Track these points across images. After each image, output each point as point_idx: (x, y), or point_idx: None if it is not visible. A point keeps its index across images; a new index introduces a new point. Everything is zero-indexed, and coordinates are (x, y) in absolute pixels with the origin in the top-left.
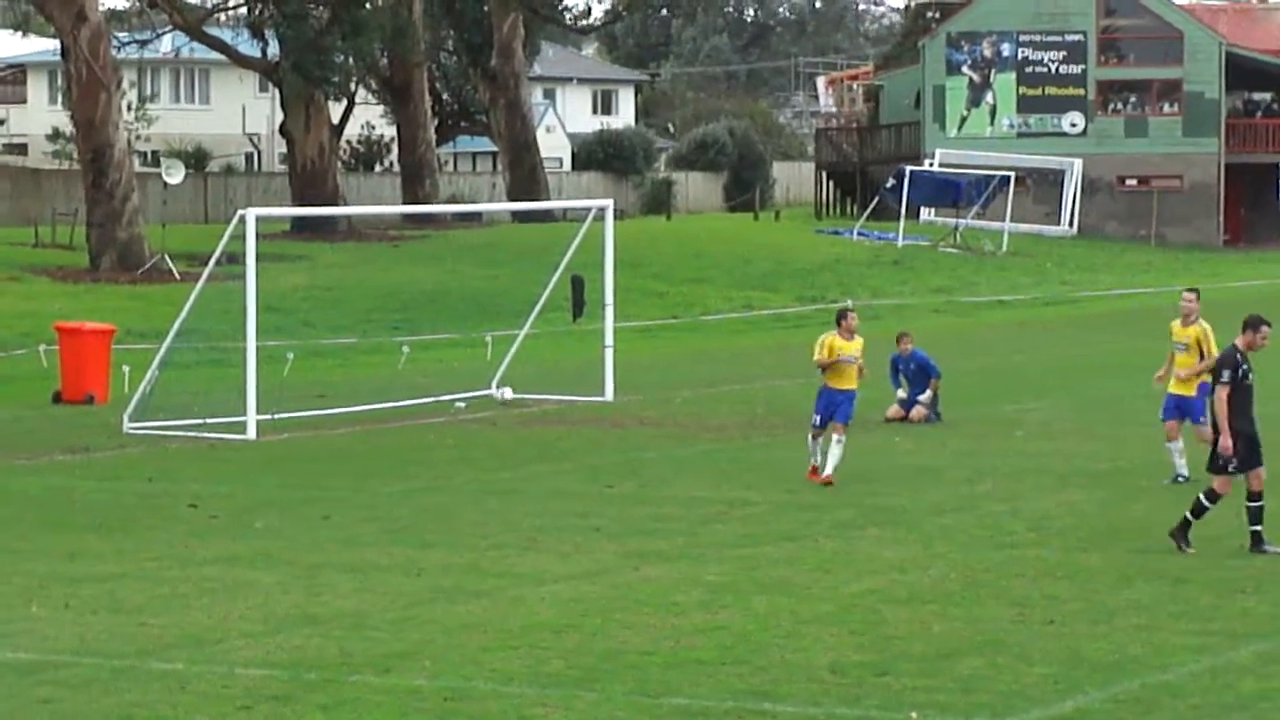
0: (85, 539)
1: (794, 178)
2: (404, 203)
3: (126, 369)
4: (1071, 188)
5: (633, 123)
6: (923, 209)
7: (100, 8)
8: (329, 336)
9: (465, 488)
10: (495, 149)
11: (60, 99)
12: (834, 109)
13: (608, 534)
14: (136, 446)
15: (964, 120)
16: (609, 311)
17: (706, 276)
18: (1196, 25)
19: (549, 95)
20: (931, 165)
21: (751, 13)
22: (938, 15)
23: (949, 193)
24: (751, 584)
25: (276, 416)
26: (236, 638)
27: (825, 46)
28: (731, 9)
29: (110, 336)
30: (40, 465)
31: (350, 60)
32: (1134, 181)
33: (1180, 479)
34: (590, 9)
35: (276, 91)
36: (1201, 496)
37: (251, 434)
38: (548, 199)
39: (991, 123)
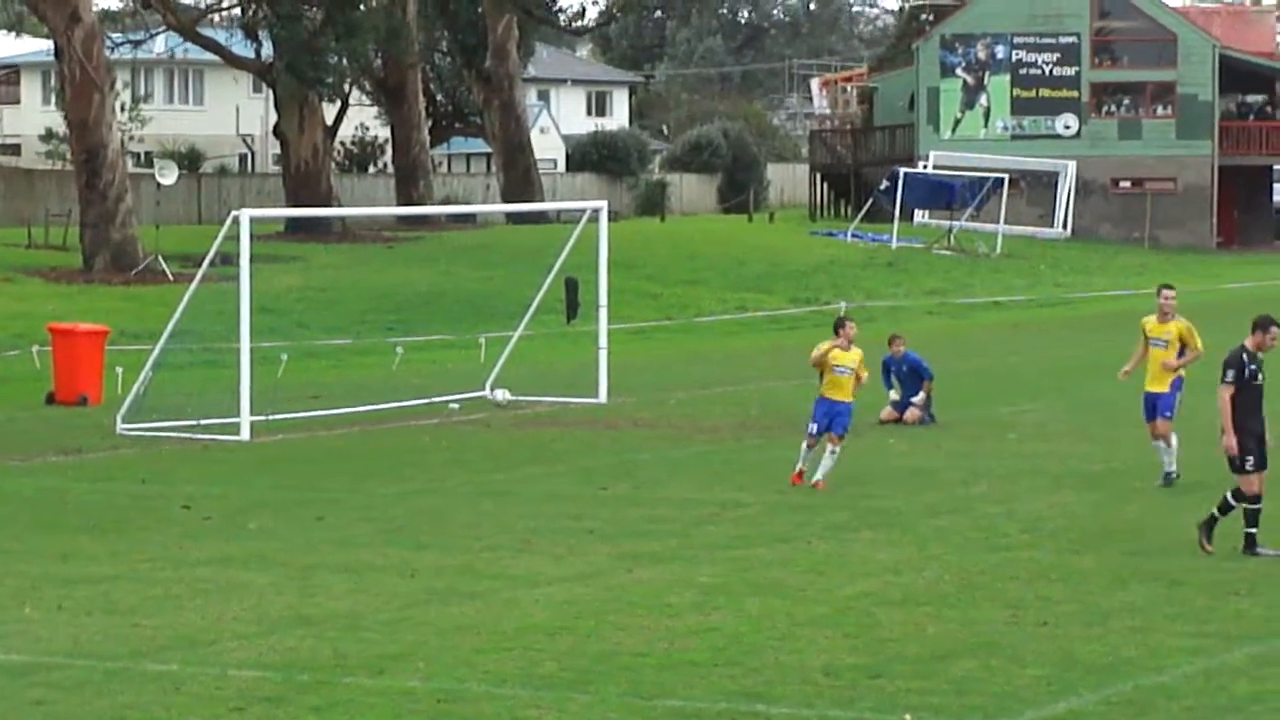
0: (78, 540)
1: (788, 179)
2: (398, 204)
3: (120, 370)
4: (1065, 190)
5: (627, 124)
6: (917, 211)
7: (94, 8)
8: (323, 338)
9: (459, 489)
10: (489, 150)
11: (54, 99)
12: (828, 111)
13: (601, 536)
14: (130, 448)
15: (958, 122)
16: (603, 313)
17: (700, 278)
18: (1190, 28)
19: (543, 97)
20: (925, 167)
21: (746, 14)
22: (932, 17)
23: (943, 195)
24: (745, 586)
25: (270, 418)
26: (230, 639)
27: (819, 48)
28: (726, 11)
29: (104, 338)
30: (33, 466)
31: (344, 61)
32: (1128, 184)
33: (1170, 476)
34: (584, 10)
35: (270, 92)
36: (1228, 495)
37: (245, 435)
38: (542, 200)
39: (985, 125)
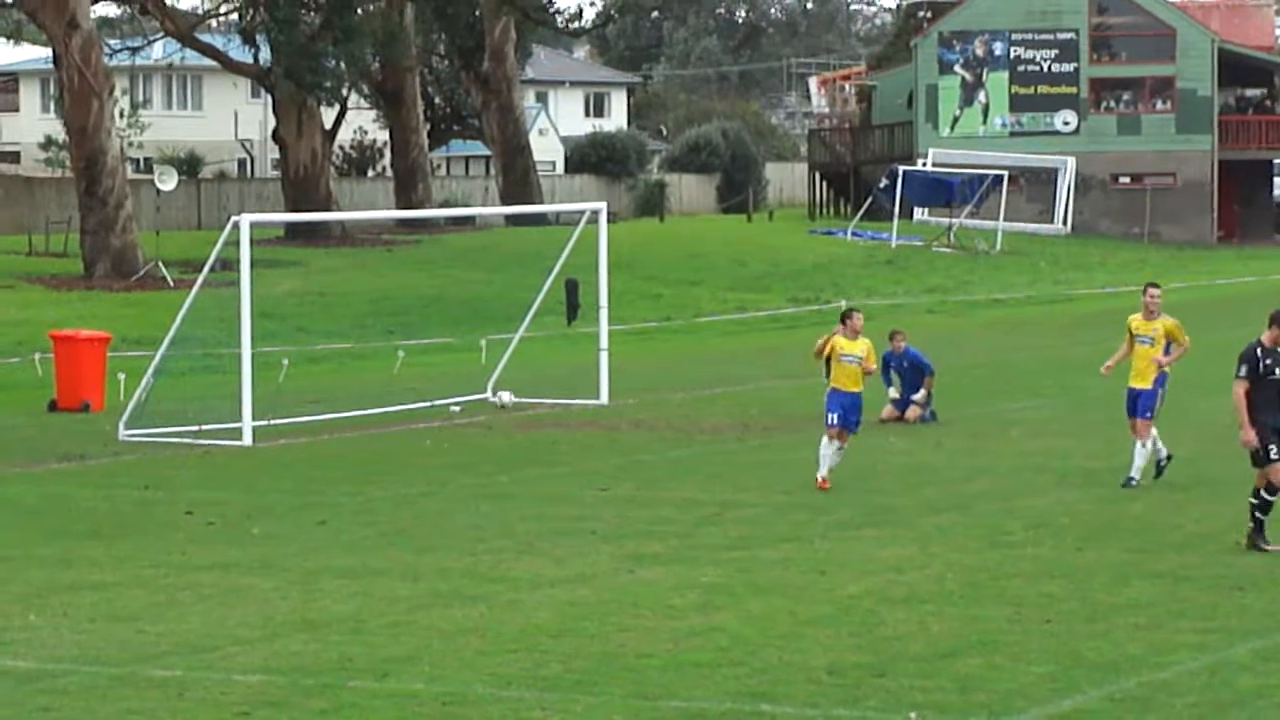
0: (82, 546)
1: (787, 179)
2: (397, 207)
3: (122, 376)
4: (1065, 186)
5: (625, 125)
6: (916, 209)
7: (92, 15)
8: (324, 342)
9: (461, 492)
10: (488, 153)
11: (53, 106)
12: (826, 109)
13: (604, 537)
14: (132, 454)
15: (957, 119)
16: (603, 314)
17: (700, 279)
18: (1188, 22)
19: (541, 98)
20: (924, 165)
21: (743, 14)
22: (929, 15)
23: (942, 192)
24: (748, 586)
25: (272, 422)
26: (234, 644)
27: (817, 47)
28: (723, 10)
29: (105, 344)
30: (36, 473)
31: (342, 65)
32: (1127, 179)
33: (1162, 463)
34: (582, 12)
35: (269, 97)
36: (1263, 492)
37: (247, 440)
38: (541, 202)
39: (984, 122)
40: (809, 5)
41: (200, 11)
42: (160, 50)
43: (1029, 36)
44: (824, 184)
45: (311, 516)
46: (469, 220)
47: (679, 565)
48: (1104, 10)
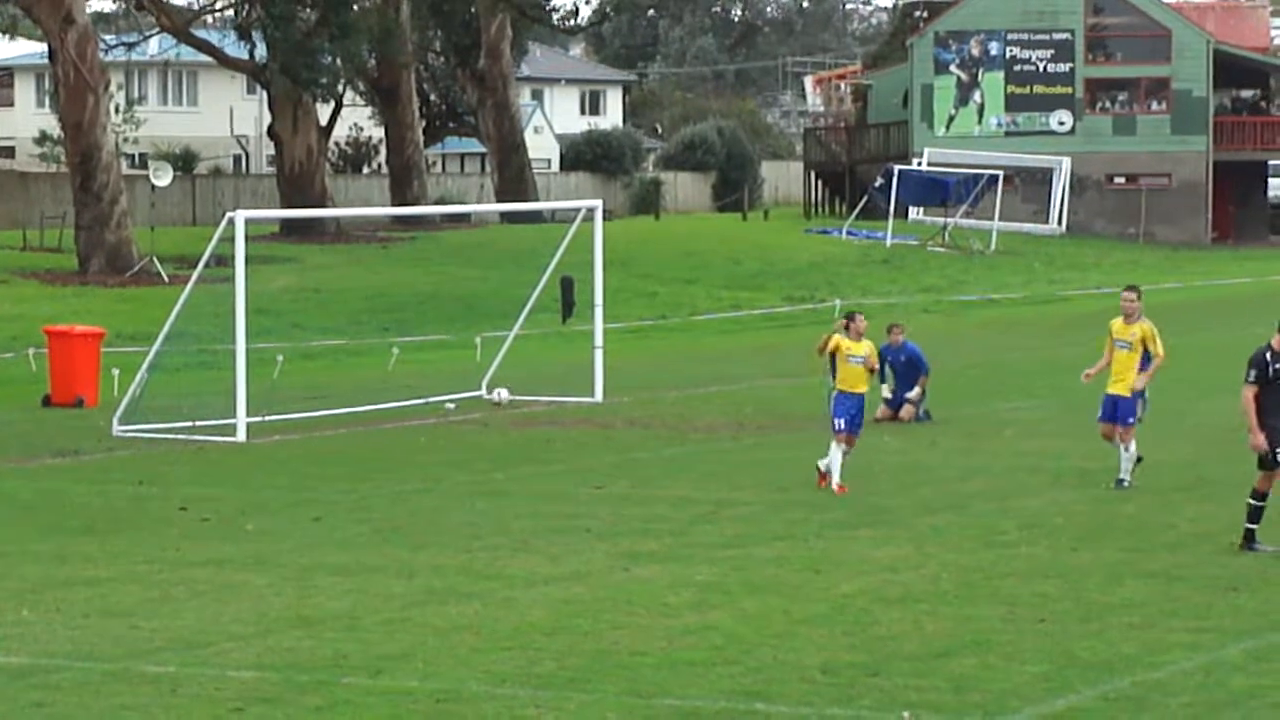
0: (76, 542)
1: (782, 177)
2: (392, 204)
3: (116, 372)
4: (1060, 186)
5: (620, 123)
6: (911, 208)
7: (87, 10)
8: (319, 338)
9: (456, 489)
10: (483, 150)
11: (48, 102)
12: (822, 108)
13: (598, 535)
14: (126, 449)
15: (952, 119)
16: (598, 312)
17: (695, 277)
18: (1184, 23)
19: (537, 96)
20: (920, 164)
21: (738, 12)
22: (925, 14)
23: (937, 192)
24: (743, 584)
25: (267, 419)
26: (228, 640)
27: (813, 46)
28: (719, 9)
29: (99, 339)
30: (30, 469)
31: (338, 62)
32: (1122, 180)
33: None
34: (578, 10)
35: (264, 94)
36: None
37: (242, 436)
38: (536, 200)
39: (979, 121)
40: (805, 4)
41: (196, 7)
42: (156, 46)
43: (1025, 36)
44: (819, 183)
45: (306, 513)
46: (464, 217)
47: (674, 563)
48: (1100, 11)
